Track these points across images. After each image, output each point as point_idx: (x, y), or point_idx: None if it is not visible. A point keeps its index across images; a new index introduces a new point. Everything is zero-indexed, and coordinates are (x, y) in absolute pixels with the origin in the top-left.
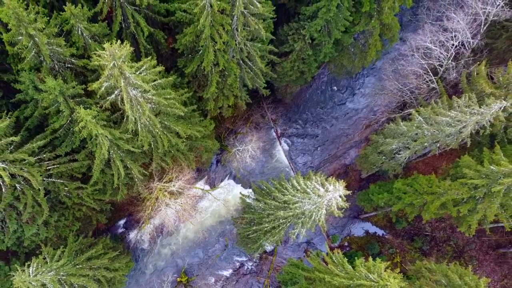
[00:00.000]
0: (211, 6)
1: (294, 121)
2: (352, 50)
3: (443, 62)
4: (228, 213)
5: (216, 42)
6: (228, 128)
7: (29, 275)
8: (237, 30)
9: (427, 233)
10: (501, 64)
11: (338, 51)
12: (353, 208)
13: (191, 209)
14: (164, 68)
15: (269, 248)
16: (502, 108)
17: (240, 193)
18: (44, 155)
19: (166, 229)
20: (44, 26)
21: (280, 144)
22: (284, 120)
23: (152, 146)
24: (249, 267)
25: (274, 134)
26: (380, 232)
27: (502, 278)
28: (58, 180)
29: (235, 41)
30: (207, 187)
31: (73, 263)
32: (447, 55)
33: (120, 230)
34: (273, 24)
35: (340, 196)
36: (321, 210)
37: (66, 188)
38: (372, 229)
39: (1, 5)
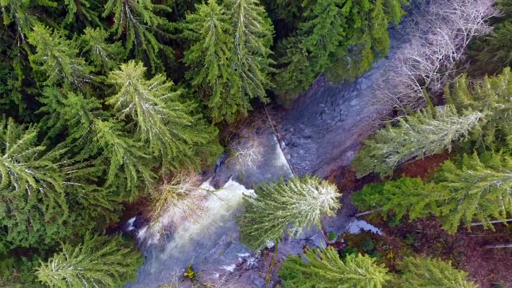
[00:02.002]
0: (215, 26)
1: (293, 125)
2: (346, 61)
3: (429, 74)
4: (232, 212)
5: (220, 58)
6: (231, 132)
7: (52, 270)
8: (239, 46)
9: (418, 230)
10: (483, 75)
11: (333, 62)
12: (349, 207)
13: (197, 208)
14: (172, 82)
15: (270, 244)
16: (477, 118)
17: (243, 193)
18: (65, 161)
19: (174, 227)
20: (67, 48)
21: (281, 147)
22: (284, 125)
23: (162, 152)
24: (251, 263)
25: (275, 138)
26: (374, 229)
27: (488, 273)
28: (76, 183)
29: (237, 56)
30: (212, 188)
31: (89, 259)
32: (432, 67)
33: (130, 228)
34: (273, 37)
35: (331, 198)
36: (316, 210)
37: (83, 191)
38: (367, 226)
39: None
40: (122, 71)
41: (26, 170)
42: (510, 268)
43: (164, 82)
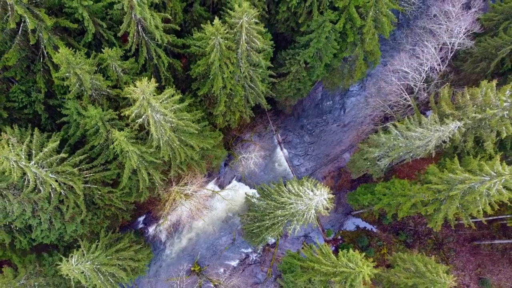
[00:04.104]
0: (220, 44)
1: (293, 129)
2: (342, 70)
3: (417, 83)
4: (235, 211)
5: (224, 71)
6: (235, 135)
7: (73, 265)
8: (241, 60)
9: (410, 227)
10: (468, 84)
11: (329, 71)
12: (345, 205)
13: (203, 207)
14: (181, 95)
15: (271, 241)
16: (457, 127)
17: (246, 193)
18: (83, 166)
19: (181, 225)
20: (87, 67)
21: (281, 149)
22: (284, 129)
23: (171, 157)
24: (254, 258)
25: (275, 141)
26: (369, 227)
27: (476, 267)
28: (93, 186)
29: (240, 69)
30: (217, 188)
31: (105, 254)
32: (420, 78)
33: (140, 226)
34: (273, 49)
35: (325, 199)
36: (311, 210)
37: (99, 192)
38: (362, 224)
39: (51, 47)
40: (137, 87)
41: (50, 175)
42: (496, 263)
43: (173, 95)
